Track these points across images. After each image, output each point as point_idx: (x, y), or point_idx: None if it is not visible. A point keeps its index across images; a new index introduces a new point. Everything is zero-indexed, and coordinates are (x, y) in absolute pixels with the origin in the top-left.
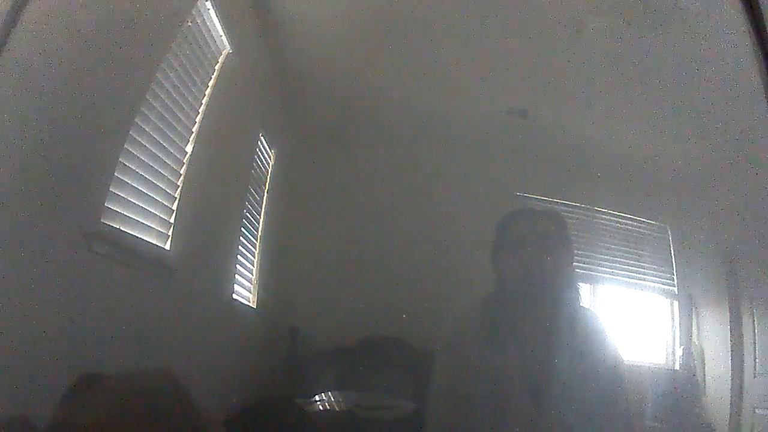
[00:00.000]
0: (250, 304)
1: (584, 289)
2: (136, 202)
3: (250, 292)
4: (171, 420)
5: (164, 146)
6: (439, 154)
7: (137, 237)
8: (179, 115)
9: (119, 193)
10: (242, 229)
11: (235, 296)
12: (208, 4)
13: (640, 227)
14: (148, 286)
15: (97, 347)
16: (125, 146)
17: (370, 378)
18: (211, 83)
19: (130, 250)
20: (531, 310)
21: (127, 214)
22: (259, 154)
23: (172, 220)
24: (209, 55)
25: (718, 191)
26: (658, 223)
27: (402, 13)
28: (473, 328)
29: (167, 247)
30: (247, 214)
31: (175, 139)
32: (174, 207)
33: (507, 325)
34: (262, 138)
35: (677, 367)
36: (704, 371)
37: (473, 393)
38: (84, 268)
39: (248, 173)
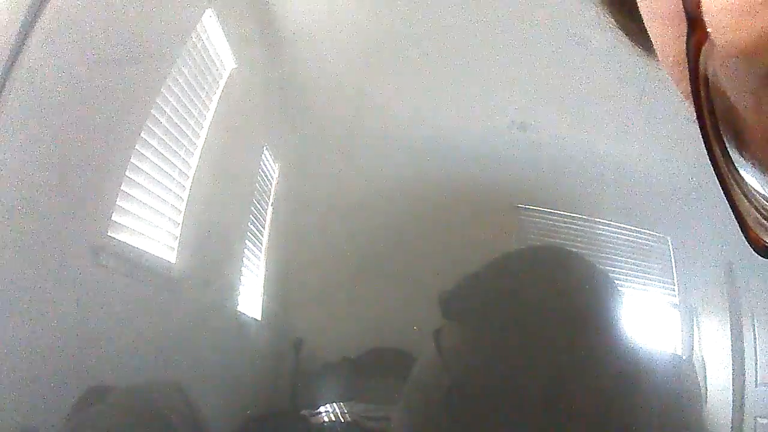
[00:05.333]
0: (256, 316)
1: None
2: (143, 216)
3: (256, 304)
4: None
5: (170, 160)
6: (444, 166)
7: (143, 250)
8: (184, 129)
9: (125, 207)
10: (247, 241)
11: (240, 308)
12: (213, 20)
13: (640, 238)
14: (154, 299)
15: (104, 360)
16: (131, 160)
17: (376, 389)
18: (216, 97)
19: (137, 263)
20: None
21: (134, 227)
22: (264, 167)
23: (178, 233)
24: (214, 70)
25: (718, 200)
26: (658, 234)
27: (408, 27)
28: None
29: (173, 259)
30: (252, 227)
31: (180, 153)
32: (180, 220)
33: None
34: (266, 151)
35: (678, 376)
36: (705, 381)
37: (479, 403)
38: (90, 281)
39: (253, 186)
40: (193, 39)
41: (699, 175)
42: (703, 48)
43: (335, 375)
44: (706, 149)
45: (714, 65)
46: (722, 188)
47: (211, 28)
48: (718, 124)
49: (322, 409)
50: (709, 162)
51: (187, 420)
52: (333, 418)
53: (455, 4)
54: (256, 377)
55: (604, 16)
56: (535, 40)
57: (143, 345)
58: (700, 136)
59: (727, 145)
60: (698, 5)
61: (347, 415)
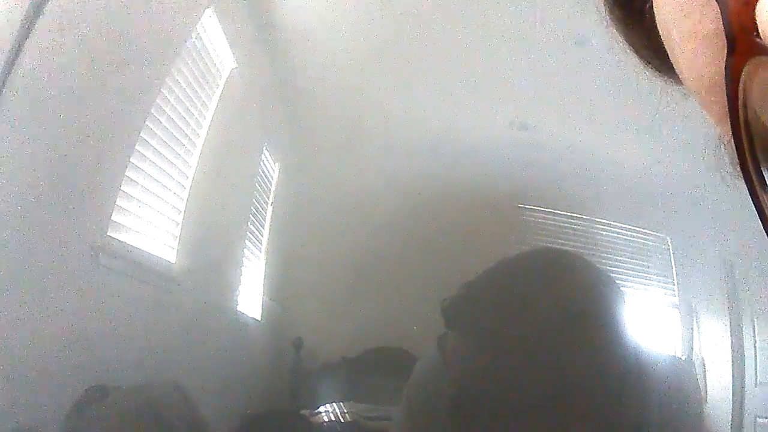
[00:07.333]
0: (256, 316)
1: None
2: (143, 216)
3: (256, 304)
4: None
5: (170, 160)
6: (443, 165)
7: (143, 250)
8: (184, 129)
9: (125, 207)
10: (247, 241)
11: (240, 308)
12: (214, 20)
13: (640, 238)
14: (154, 299)
15: (104, 359)
16: (131, 160)
17: (376, 389)
18: (215, 97)
19: (137, 263)
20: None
21: (134, 228)
22: (264, 167)
23: (177, 233)
24: (214, 70)
25: (717, 201)
26: (658, 234)
27: (408, 28)
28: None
29: (173, 259)
30: (252, 227)
31: (180, 153)
32: (180, 220)
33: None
34: (266, 151)
35: (679, 376)
36: (705, 380)
37: (484, 406)
38: (91, 281)
39: (253, 186)
40: (193, 39)
41: (699, 176)
42: (743, 70)
43: (335, 375)
44: (742, 171)
45: (750, 88)
46: (757, 210)
47: (211, 28)
48: (754, 147)
49: (322, 409)
50: (744, 184)
51: (187, 420)
52: (333, 418)
53: (455, 5)
54: (256, 377)
55: (616, 39)
56: (536, 40)
57: (143, 345)
58: (737, 158)
59: (762, 167)
60: (740, 27)
61: (347, 415)
